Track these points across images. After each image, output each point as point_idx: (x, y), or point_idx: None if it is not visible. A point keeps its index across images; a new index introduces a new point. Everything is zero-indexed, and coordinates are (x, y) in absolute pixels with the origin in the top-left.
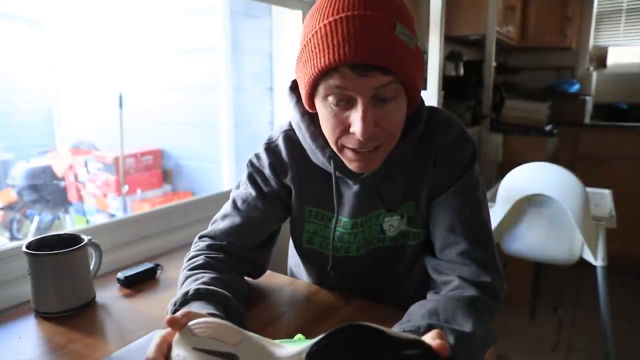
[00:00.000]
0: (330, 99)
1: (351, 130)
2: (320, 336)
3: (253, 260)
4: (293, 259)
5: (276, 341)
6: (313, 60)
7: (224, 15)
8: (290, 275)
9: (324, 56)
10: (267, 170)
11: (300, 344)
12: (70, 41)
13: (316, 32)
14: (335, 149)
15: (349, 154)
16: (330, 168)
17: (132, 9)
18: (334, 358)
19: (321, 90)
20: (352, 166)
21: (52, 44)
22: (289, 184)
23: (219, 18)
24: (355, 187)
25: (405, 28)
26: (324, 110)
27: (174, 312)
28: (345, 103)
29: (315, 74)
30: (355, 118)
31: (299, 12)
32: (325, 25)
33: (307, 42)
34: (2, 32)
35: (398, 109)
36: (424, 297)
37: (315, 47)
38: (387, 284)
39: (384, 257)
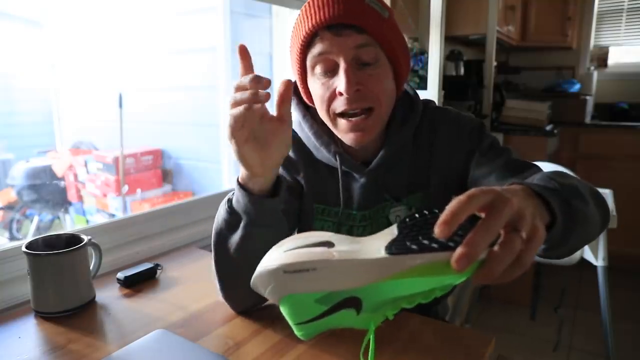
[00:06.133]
0: (317, 69)
1: (337, 90)
2: (409, 216)
3: None
4: None
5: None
6: (298, 32)
7: (224, 14)
8: None
9: (305, 25)
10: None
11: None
12: (69, 41)
13: (300, 10)
14: (329, 123)
15: (342, 123)
16: (336, 163)
17: (132, 8)
18: (419, 233)
19: (309, 63)
20: (348, 138)
21: (52, 43)
22: (301, 180)
23: (219, 18)
24: (362, 180)
25: (376, 1)
26: (315, 85)
27: (230, 200)
28: (331, 72)
29: (300, 44)
30: (339, 78)
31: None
32: (307, 4)
33: (294, 23)
34: (2, 32)
35: (381, 75)
36: None
37: (299, 22)
38: None
39: None
